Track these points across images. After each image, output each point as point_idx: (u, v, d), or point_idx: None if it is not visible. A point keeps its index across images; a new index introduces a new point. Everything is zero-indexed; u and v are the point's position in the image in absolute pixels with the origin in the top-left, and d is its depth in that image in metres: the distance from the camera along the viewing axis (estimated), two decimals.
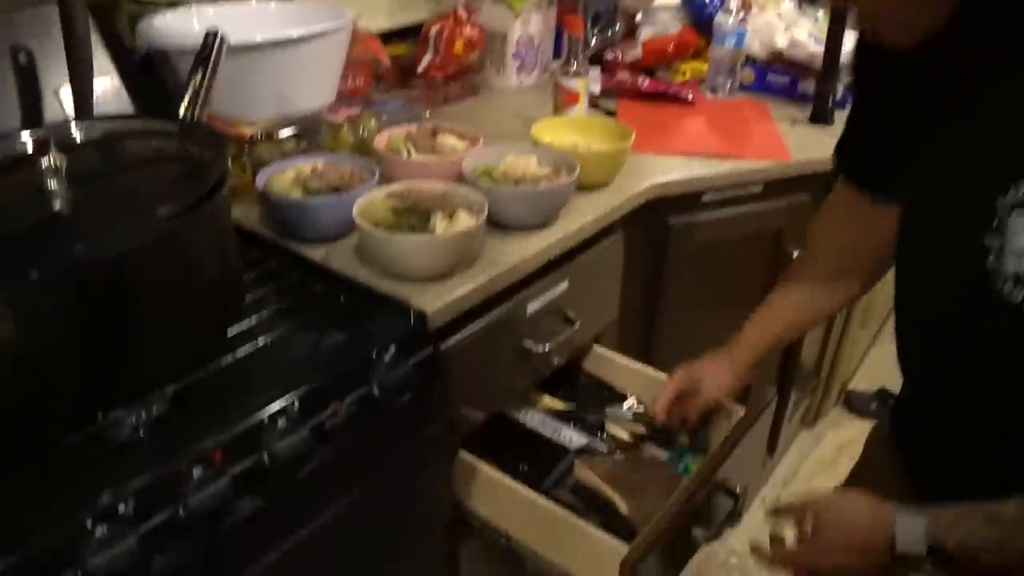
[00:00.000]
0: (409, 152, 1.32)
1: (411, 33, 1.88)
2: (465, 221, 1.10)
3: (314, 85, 1.39)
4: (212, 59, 0.99)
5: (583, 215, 1.31)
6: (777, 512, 0.98)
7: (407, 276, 1.10)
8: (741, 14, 1.86)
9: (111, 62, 1.26)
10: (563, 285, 1.31)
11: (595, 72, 1.87)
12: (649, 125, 1.70)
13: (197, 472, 0.78)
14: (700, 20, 2.03)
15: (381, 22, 1.82)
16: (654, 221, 1.54)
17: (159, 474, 0.76)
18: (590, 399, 1.44)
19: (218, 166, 0.88)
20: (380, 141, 1.35)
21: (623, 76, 1.92)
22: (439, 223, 1.10)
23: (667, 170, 1.51)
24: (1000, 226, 0.73)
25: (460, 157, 1.29)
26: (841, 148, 1.04)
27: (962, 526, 0.80)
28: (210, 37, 0.99)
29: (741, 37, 1.88)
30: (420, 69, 1.84)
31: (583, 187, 1.35)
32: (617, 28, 2.07)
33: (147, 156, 0.95)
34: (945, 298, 0.85)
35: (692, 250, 1.61)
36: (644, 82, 1.89)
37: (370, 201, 1.14)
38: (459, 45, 1.81)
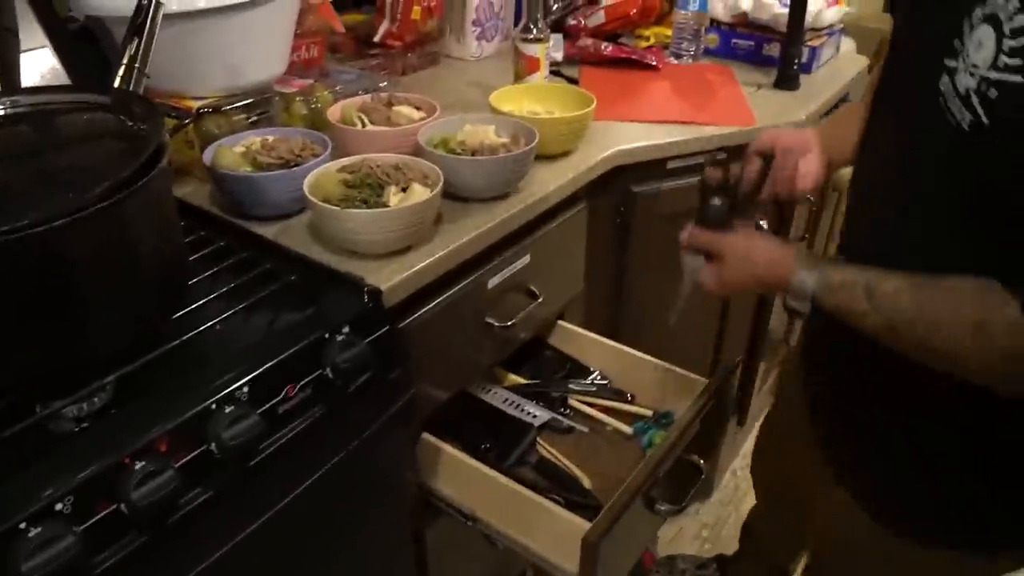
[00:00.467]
0: (363, 123, 1.27)
1: (367, 0, 1.82)
2: (420, 193, 1.06)
3: (263, 55, 1.33)
4: (148, 26, 0.93)
5: (544, 185, 1.27)
6: (696, 240, 1.05)
7: (361, 252, 1.06)
8: None
9: (45, 34, 1.19)
10: (525, 259, 1.27)
11: (557, 39, 1.82)
12: (612, 92, 1.66)
13: (140, 465, 0.74)
14: None
15: None
16: (618, 190, 1.50)
17: (99, 469, 0.72)
18: (553, 373, 1.41)
19: (155, 138, 0.82)
20: (333, 113, 1.30)
21: (585, 42, 1.87)
22: (392, 196, 1.06)
23: (630, 137, 1.47)
24: (962, 43, 0.72)
25: (416, 127, 1.24)
26: None
27: (843, 292, 0.86)
28: (144, 2, 0.94)
29: (704, 0, 1.84)
30: (377, 38, 1.78)
31: (544, 156, 1.31)
32: None
33: (78, 130, 0.89)
34: (901, 132, 0.85)
35: (657, 219, 1.57)
36: (607, 48, 1.84)
37: (322, 175, 1.10)
38: (417, 11, 1.76)
